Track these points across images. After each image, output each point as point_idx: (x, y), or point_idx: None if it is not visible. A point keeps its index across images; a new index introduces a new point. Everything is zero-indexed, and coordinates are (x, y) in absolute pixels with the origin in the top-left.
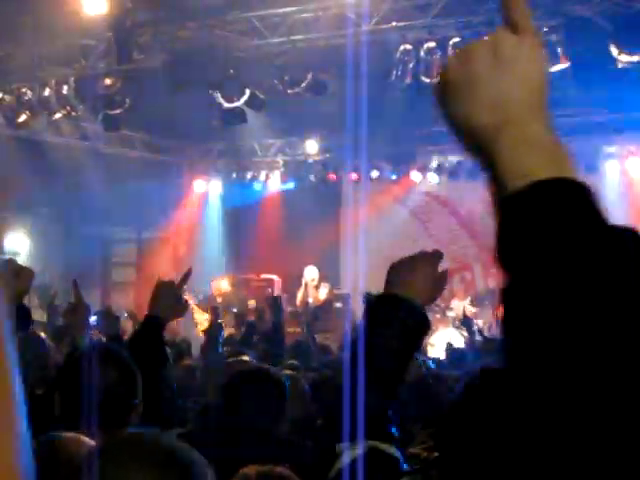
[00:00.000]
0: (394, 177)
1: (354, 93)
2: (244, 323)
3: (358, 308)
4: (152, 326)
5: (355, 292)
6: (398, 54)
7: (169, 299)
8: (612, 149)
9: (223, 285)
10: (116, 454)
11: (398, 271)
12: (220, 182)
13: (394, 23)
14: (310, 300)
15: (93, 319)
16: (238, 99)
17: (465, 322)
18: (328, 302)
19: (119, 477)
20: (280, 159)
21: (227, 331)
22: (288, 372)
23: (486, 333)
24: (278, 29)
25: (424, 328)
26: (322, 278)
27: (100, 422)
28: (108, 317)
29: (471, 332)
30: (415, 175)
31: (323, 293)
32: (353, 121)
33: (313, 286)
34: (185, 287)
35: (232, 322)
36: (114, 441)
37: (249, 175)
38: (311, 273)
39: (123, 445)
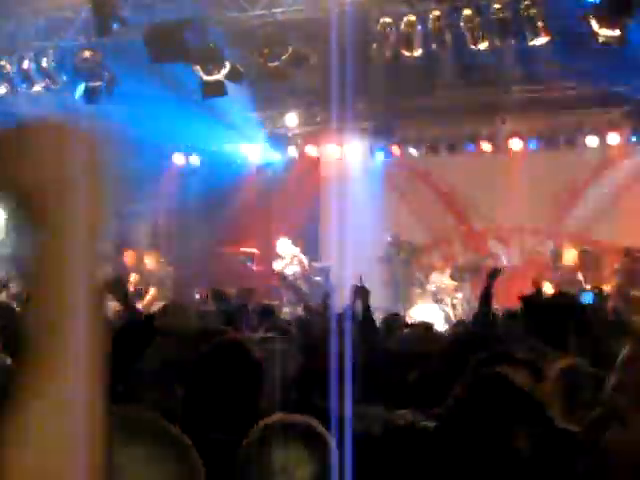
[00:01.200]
0: (374, 150)
1: (334, 66)
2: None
3: (336, 280)
4: None
5: (335, 265)
6: (378, 27)
7: None
8: (593, 122)
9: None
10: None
11: None
12: (199, 155)
13: None
14: (290, 272)
15: None
16: (218, 72)
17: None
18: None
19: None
20: (260, 131)
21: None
22: None
23: (465, 307)
24: (259, 2)
25: None
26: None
27: None
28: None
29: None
30: (395, 149)
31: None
32: (334, 94)
33: (298, 259)
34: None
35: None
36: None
37: (229, 148)
38: (285, 246)
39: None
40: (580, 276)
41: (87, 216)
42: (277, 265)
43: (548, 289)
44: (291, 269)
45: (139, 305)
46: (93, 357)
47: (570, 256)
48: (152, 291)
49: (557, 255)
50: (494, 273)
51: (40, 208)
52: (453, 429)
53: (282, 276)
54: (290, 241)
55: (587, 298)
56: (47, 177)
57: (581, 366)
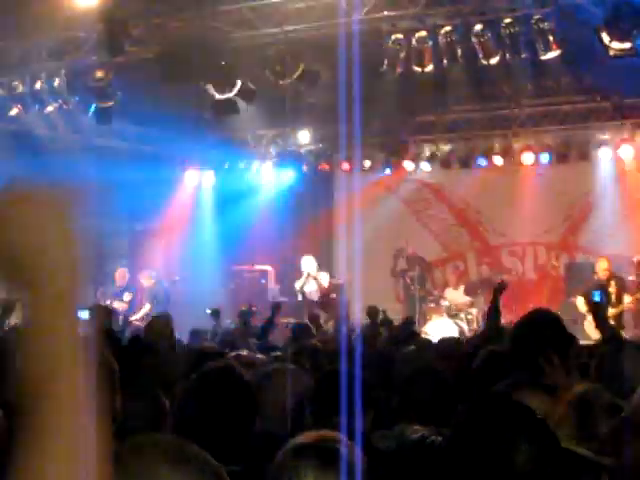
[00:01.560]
0: (387, 166)
1: (346, 83)
2: None
3: (352, 298)
4: None
5: (350, 282)
6: (389, 43)
7: None
8: (604, 136)
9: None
10: (148, 455)
11: None
12: (212, 173)
13: (385, 12)
14: (307, 290)
15: (84, 314)
16: (230, 90)
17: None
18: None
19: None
20: (272, 149)
21: None
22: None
23: (479, 322)
24: (270, 19)
25: None
26: (320, 267)
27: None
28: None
29: None
30: (407, 164)
31: (325, 280)
32: (345, 111)
33: (312, 276)
34: None
35: None
36: (143, 442)
37: (241, 166)
38: (309, 263)
39: (154, 446)
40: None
41: (62, 278)
42: (297, 283)
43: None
44: (308, 287)
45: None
46: (90, 399)
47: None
48: (146, 307)
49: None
50: (500, 287)
51: (17, 273)
52: (458, 446)
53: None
54: (313, 259)
55: (596, 296)
56: (20, 243)
57: (597, 392)
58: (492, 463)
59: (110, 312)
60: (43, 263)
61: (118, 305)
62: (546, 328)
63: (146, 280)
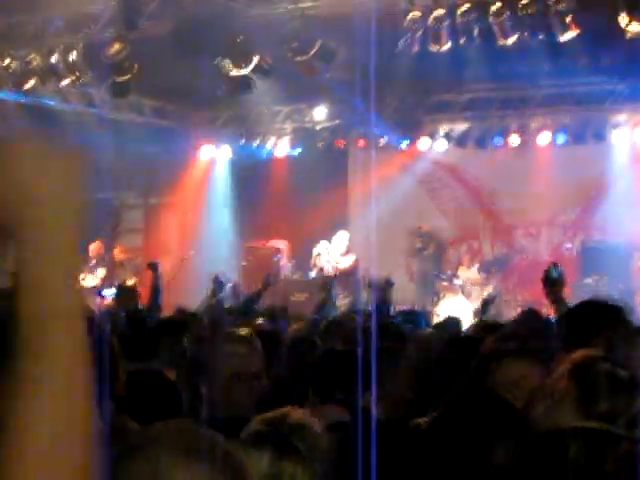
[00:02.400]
0: (402, 144)
1: (362, 61)
2: None
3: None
4: None
5: (365, 259)
6: (406, 22)
7: None
8: (621, 118)
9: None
10: (170, 445)
11: None
12: (228, 148)
13: None
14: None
15: (111, 292)
16: (246, 66)
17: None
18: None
19: (169, 469)
20: (288, 126)
21: None
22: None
23: (495, 301)
24: None
25: None
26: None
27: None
28: (127, 291)
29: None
30: (423, 143)
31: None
32: (361, 88)
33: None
34: None
35: None
36: (167, 430)
37: (257, 142)
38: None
39: (178, 436)
40: None
41: (64, 230)
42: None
43: None
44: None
45: None
46: (77, 356)
47: None
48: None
49: None
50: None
51: (19, 223)
52: (439, 432)
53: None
54: (347, 235)
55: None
56: (25, 194)
57: (597, 359)
58: (470, 458)
59: (136, 293)
60: (42, 214)
61: (91, 281)
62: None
63: (120, 255)
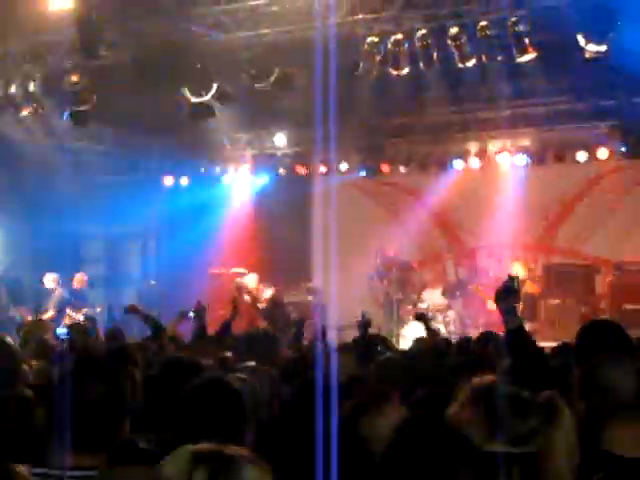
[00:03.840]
0: (363, 169)
1: (322, 86)
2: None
3: (328, 302)
4: None
5: (326, 285)
6: (365, 46)
7: None
8: (582, 137)
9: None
10: None
11: None
12: (189, 177)
13: (360, 15)
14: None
15: (62, 331)
16: (206, 93)
17: (420, 317)
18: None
19: None
20: (249, 152)
21: None
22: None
23: (457, 323)
24: (245, 23)
25: None
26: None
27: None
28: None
29: (429, 328)
30: (384, 167)
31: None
32: (322, 114)
33: (254, 292)
34: None
35: None
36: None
37: (218, 169)
38: (251, 281)
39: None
40: None
41: None
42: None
43: None
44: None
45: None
46: None
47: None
48: (49, 313)
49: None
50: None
51: None
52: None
53: None
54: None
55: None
56: None
57: (499, 383)
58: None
59: (85, 329)
60: None
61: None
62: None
63: (49, 284)
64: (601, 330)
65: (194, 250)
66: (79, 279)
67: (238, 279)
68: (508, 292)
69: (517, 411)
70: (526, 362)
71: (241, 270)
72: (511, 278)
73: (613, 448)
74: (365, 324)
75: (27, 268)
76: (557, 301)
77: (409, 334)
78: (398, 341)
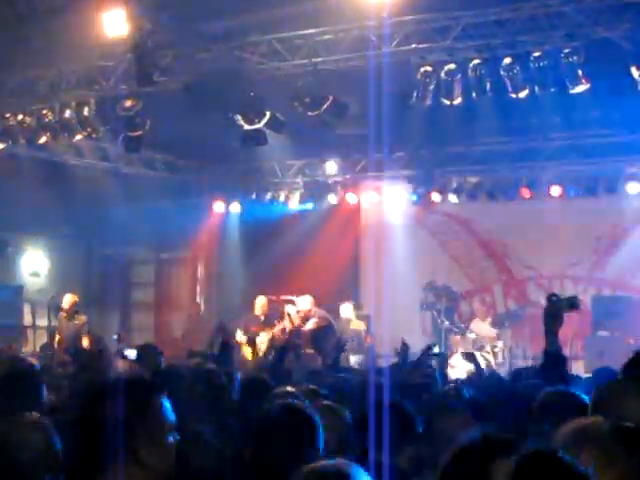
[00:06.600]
0: (414, 197)
1: (375, 114)
2: None
3: (379, 329)
4: None
5: (376, 313)
6: (418, 76)
7: None
8: (633, 169)
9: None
10: None
11: None
12: (239, 203)
13: (414, 45)
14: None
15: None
16: (259, 121)
17: (470, 358)
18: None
19: None
20: (300, 180)
21: None
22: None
23: (506, 354)
24: (299, 51)
25: None
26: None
27: None
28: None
29: (478, 367)
30: (435, 195)
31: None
32: (374, 142)
33: (300, 317)
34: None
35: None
36: None
37: (268, 196)
38: (305, 303)
39: None
40: None
41: None
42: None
43: None
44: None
45: None
46: None
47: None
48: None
49: None
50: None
51: None
52: None
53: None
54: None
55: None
56: None
57: (599, 424)
58: None
59: (158, 352)
60: None
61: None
62: None
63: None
64: None
65: (242, 277)
66: (69, 300)
67: (289, 306)
68: (558, 312)
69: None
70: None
71: (290, 297)
72: (575, 297)
73: None
74: (404, 352)
75: (78, 293)
76: (605, 333)
77: (458, 364)
78: (446, 370)
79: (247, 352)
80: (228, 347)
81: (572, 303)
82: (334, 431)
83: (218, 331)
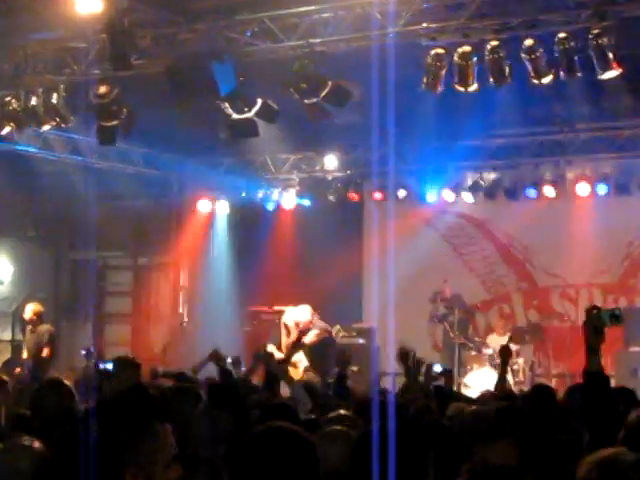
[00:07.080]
0: (424, 196)
1: (379, 103)
2: None
3: (385, 343)
4: None
5: (381, 326)
6: (429, 59)
7: None
8: None
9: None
10: None
11: None
12: (227, 202)
13: (424, 24)
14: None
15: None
16: (249, 109)
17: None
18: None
19: None
20: (295, 176)
21: None
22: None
23: (527, 372)
24: (294, 31)
25: None
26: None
27: None
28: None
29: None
30: (448, 194)
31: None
32: (378, 134)
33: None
34: None
35: None
36: None
37: (260, 194)
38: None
39: None
40: None
41: None
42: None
43: None
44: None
45: None
46: None
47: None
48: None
49: None
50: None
51: None
52: None
53: None
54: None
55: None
56: None
57: (623, 456)
58: None
59: (138, 365)
60: None
61: None
62: None
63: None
64: None
65: (231, 284)
66: (32, 310)
67: (286, 316)
68: (600, 326)
69: None
70: (598, 410)
71: (283, 308)
72: (617, 309)
73: None
74: (405, 356)
75: (45, 303)
76: (638, 349)
77: (473, 383)
78: (460, 390)
79: (294, 373)
80: (273, 377)
81: (615, 316)
82: None
83: (210, 359)
